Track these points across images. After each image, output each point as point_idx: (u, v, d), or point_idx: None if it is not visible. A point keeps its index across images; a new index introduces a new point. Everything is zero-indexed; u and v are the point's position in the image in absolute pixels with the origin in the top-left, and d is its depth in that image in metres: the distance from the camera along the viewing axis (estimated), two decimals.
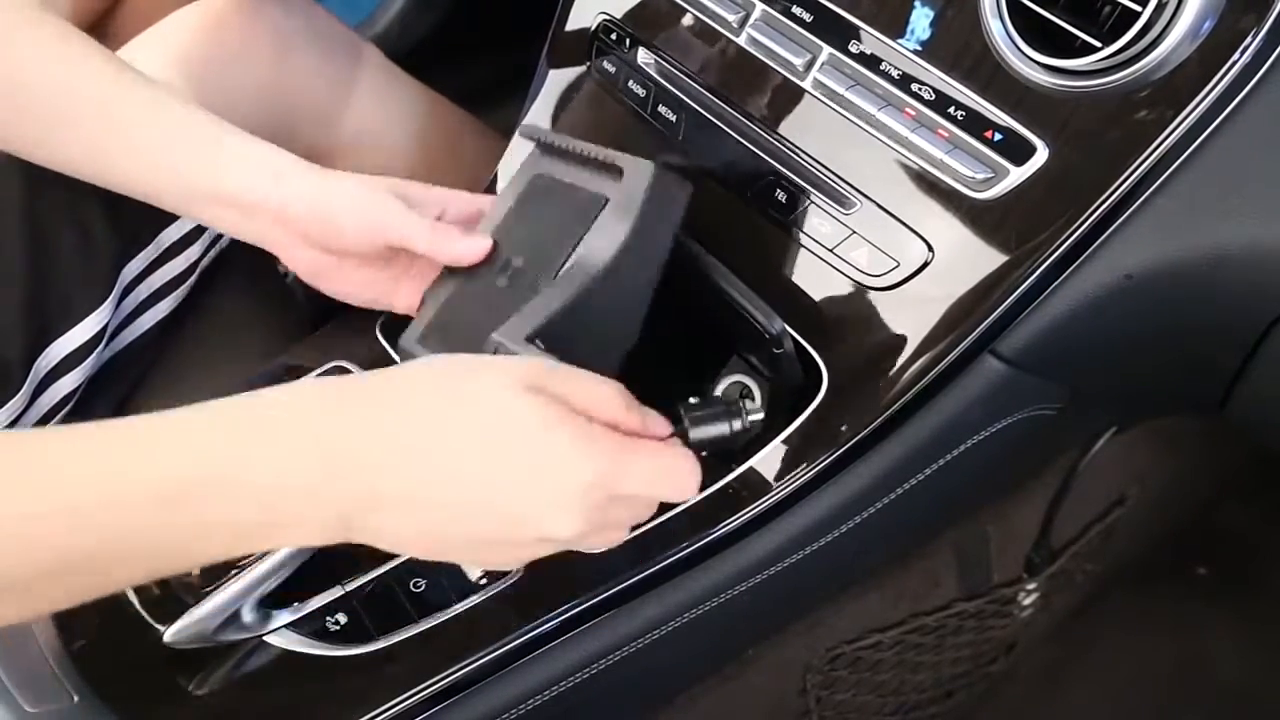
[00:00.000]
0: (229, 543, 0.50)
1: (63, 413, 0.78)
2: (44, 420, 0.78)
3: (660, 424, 0.55)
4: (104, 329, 0.77)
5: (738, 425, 0.57)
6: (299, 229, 0.69)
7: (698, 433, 0.57)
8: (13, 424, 0.75)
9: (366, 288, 0.72)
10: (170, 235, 0.81)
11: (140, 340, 0.83)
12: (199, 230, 0.82)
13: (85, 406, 0.80)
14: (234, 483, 0.48)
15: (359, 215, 0.68)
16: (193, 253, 0.83)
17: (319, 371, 0.74)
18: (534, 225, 0.70)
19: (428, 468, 0.50)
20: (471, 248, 0.69)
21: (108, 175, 0.70)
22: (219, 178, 0.68)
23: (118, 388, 0.83)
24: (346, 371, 0.74)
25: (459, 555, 0.54)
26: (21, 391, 0.74)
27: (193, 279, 0.84)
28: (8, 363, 0.73)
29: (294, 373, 0.74)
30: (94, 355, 0.77)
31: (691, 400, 0.59)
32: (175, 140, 0.69)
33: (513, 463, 0.50)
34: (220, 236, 0.85)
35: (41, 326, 0.75)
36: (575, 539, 0.52)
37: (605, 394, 0.53)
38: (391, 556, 0.65)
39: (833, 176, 0.68)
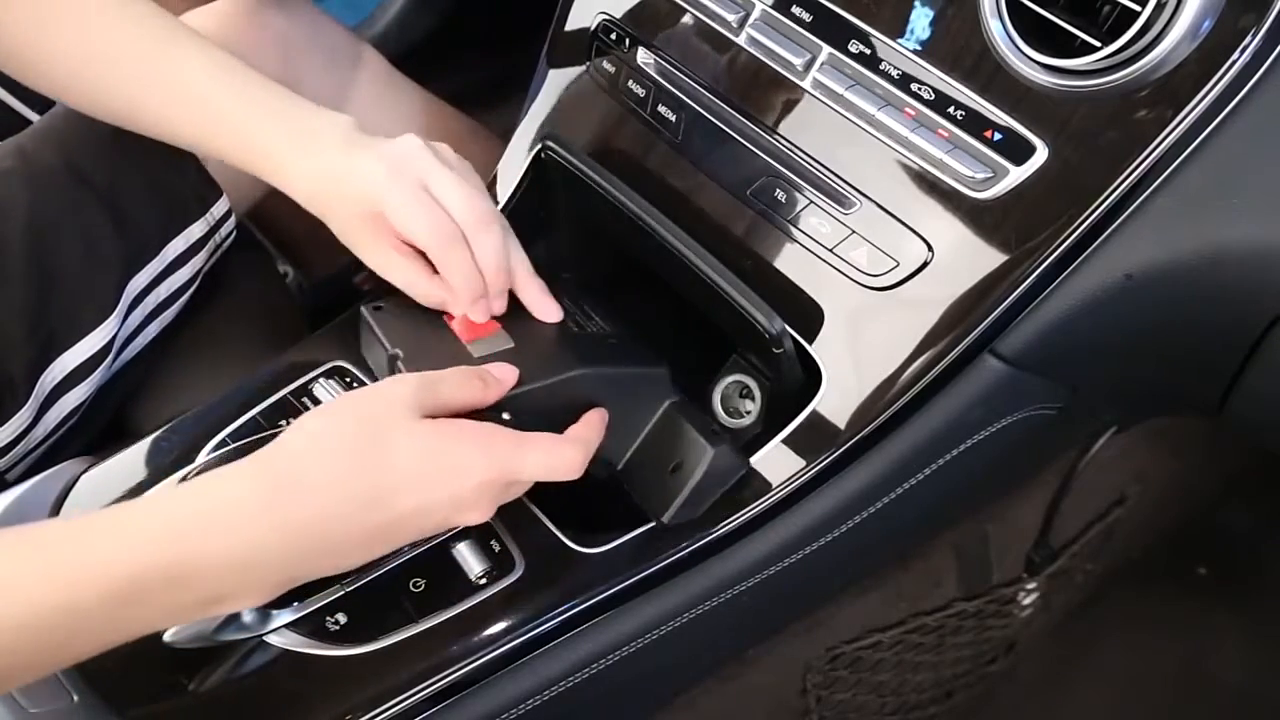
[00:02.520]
0: (179, 620, 0.58)
1: (68, 426, 0.78)
2: (51, 435, 0.78)
3: (509, 375, 0.64)
4: (110, 342, 0.77)
5: None
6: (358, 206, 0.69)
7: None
8: (18, 440, 0.75)
9: (396, 270, 0.72)
10: (176, 247, 0.80)
11: (146, 349, 0.83)
12: (204, 239, 0.82)
13: (90, 419, 0.80)
14: (179, 571, 0.52)
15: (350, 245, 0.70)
16: (198, 261, 0.83)
17: (319, 371, 0.74)
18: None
19: (360, 512, 0.56)
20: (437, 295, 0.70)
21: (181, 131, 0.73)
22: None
23: (121, 397, 0.83)
24: (347, 371, 0.74)
25: (376, 557, 0.60)
26: (26, 407, 0.74)
27: (196, 284, 0.84)
28: (11, 378, 0.73)
29: (297, 370, 0.74)
30: (100, 369, 0.77)
31: None
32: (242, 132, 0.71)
33: (429, 484, 0.57)
34: (224, 242, 0.85)
35: (47, 341, 0.74)
36: (478, 521, 0.61)
37: (471, 386, 0.62)
38: (392, 556, 0.65)
39: (832, 176, 0.68)
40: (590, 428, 0.65)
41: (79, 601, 0.50)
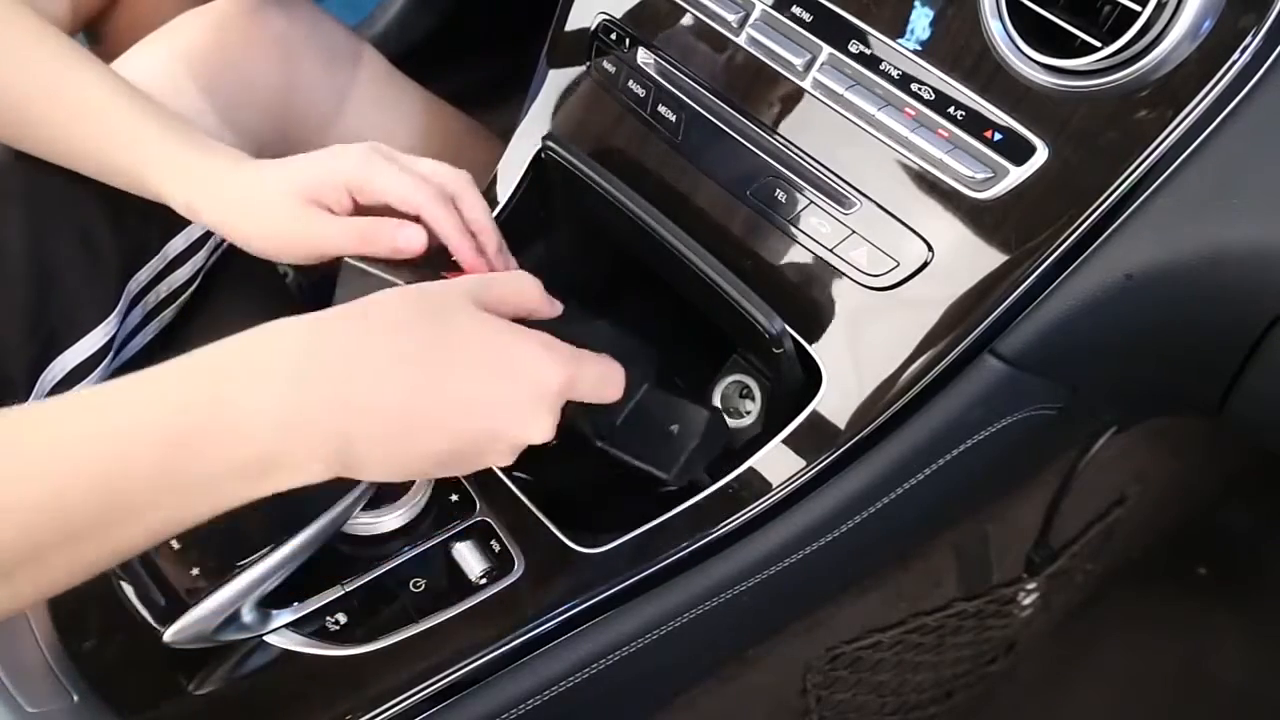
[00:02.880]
0: (233, 487, 0.51)
1: None
2: None
3: (556, 302, 0.61)
4: (111, 341, 0.77)
5: None
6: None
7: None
8: None
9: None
10: (176, 245, 0.80)
11: (145, 349, 0.83)
12: (205, 238, 0.82)
13: None
14: (237, 418, 0.49)
15: (278, 248, 0.69)
16: (198, 260, 0.83)
17: None
18: None
19: (417, 385, 0.52)
20: (411, 237, 0.66)
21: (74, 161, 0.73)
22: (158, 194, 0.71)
23: None
24: None
25: (433, 467, 0.56)
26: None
27: (197, 284, 0.84)
28: (11, 378, 0.73)
29: None
30: (101, 367, 0.77)
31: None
32: (117, 148, 0.71)
33: (493, 375, 0.54)
34: (224, 241, 0.85)
35: (47, 341, 0.74)
36: (542, 438, 0.56)
37: (526, 284, 0.59)
38: (391, 557, 0.65)
39: (832, 176, 0.68)
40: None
41: (132, 448, 0.48)
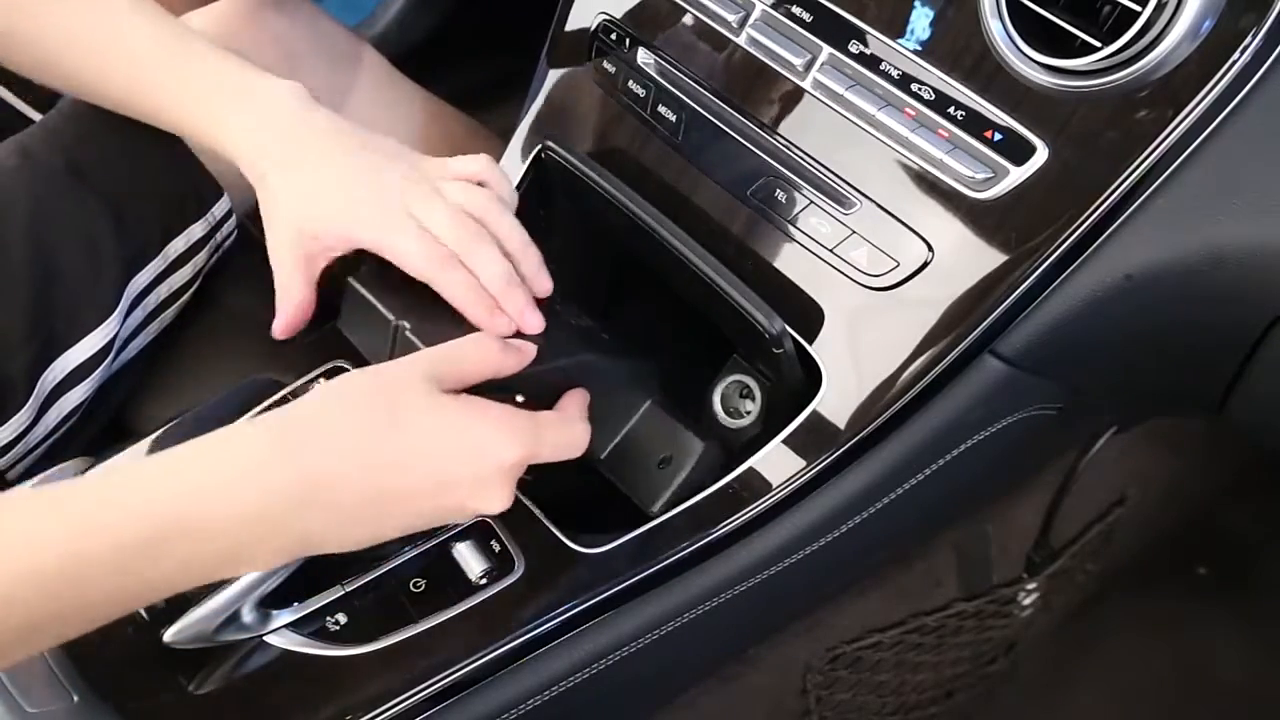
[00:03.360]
0: (190, 580, 0.53)
1: (68, 426, 0.78)
2: (51, 435, 0.78)
3: (529, 346, 0.63)
4: (111, 342, 0.77)
5: None
6: None
7: None
8: (18, 439, 0.75)
9: None
10: (177, 246, 0.80)
11: (146, 349, 0.83)
12: (205, 239, 0.82)
13: (90, 419, 0.80)
14: (192, 524, 0.51)
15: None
16: (199, 260, 0.83)
17: (318, 371, 0.74)
18: None
19: (375, 476, 0.55)
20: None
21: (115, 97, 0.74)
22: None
23: (121, 397, 0.83)
24: (347, 371, 0.74)
25: (395, 535, 0.58)
26: (26, 407, 0.74)
27: (197, 285, 0.84)
28: (11, 378, 0.73)
29: (297, 370, 0.74)
30: (101, 369, 0.77)
31: None
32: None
33: (450, 457, 0.56)
34: (225, 242, 0.85)
35: (47, 341, 0.74)
36: (500, 509, 0.58)
37: (484, 350, 0.61)
38: (392, 557, 0.65)
39: (832, 176, 0.68)
40: (579, 407, 0.65)
41: (89, 550, 0.49)
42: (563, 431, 0.62)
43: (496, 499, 0.58)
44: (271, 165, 0.69)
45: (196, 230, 0.81)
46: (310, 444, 0.54)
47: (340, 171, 0.68)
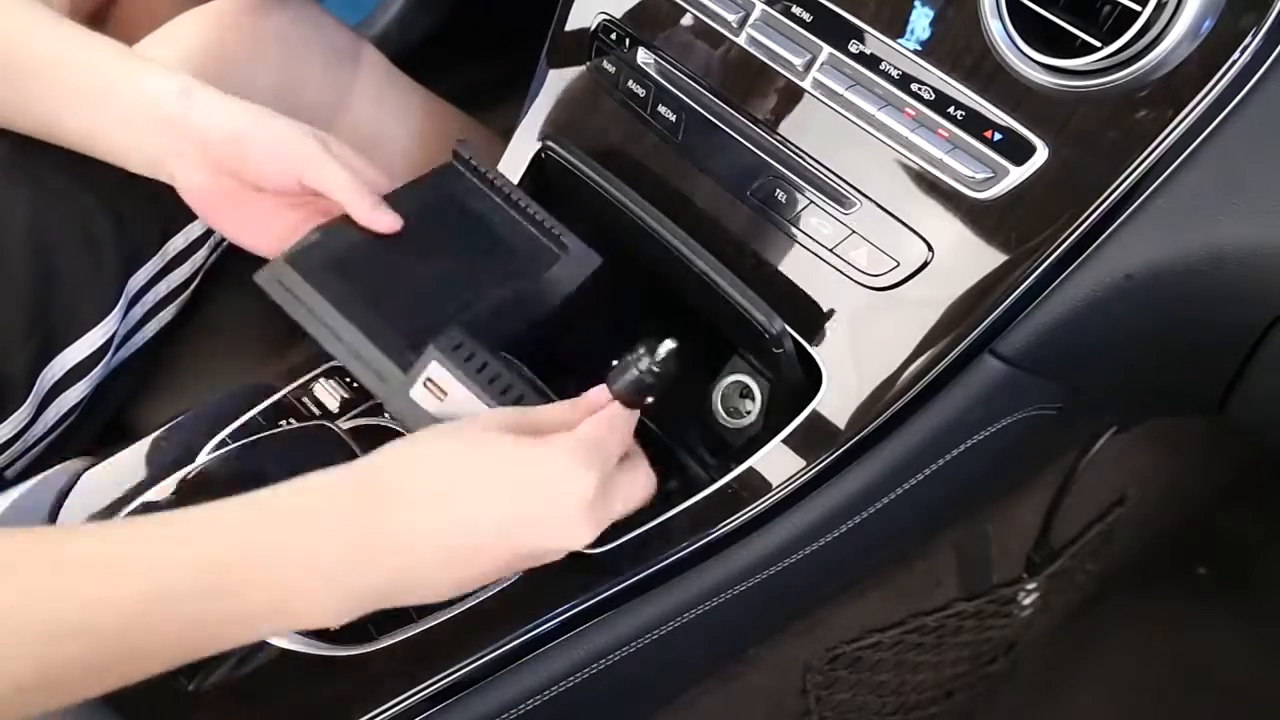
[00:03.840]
0: (259, 626, 0.54)
1: (67, 424, 0.78)
2: (50, 432, 0.78)
3: (597, 393, 0.61)
4: (110, 339, 0.77)
5: (644, 365, 0.59)
6: (211, 151, 0.68)
7: (618, 386, 0.60)
8: (17, 437, 0.75)
9: (260, 232, 0.71)
10: (176, 244, 0.81)
11: (145, 348, 0.83)
12: (204, 237, 0.82)
13: (89, 417, 0.80)
14: (274, 567, 0.51)
15: (278, 145, 0.69)
16: (198, 259, 0.83)
17: (318, 371, 0.74)
18: (461, 239, 0.71)
19: (456, 523, 0.55)
20: (387, 218, 0.68)
21: (19, 109, 0.72)
22: (127, 89, 0.69)
23: (120, 396, 0.83)
24: (347, 371, 0.73)
25: (471, 586, 0.58)
26: (26, 404, 0.74)
27: (196, 283, 0.84)
28: (10, 376, 0.73)
29: (297, 370, 0.74)
30: (100, 366, 0.77)
31: (614, 361, 0.61)
32: (81, 60, 0.70)
33: (530, 498, 0.56)
34: (224, 240, 0.85)
35: (47, 339, 0.74)
36: (584, 543, 0.58)
37: (557, 409, 0.60)
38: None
39: (832, 176, 0.68)
40: (641, 456, 0.63)
41: (171, 587, 0.49)
42: (634, 471, 0.60)
43: (580, 533, 0.57)
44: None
45: (195, 228, 0.81)
46: (387, 500, 0.54)
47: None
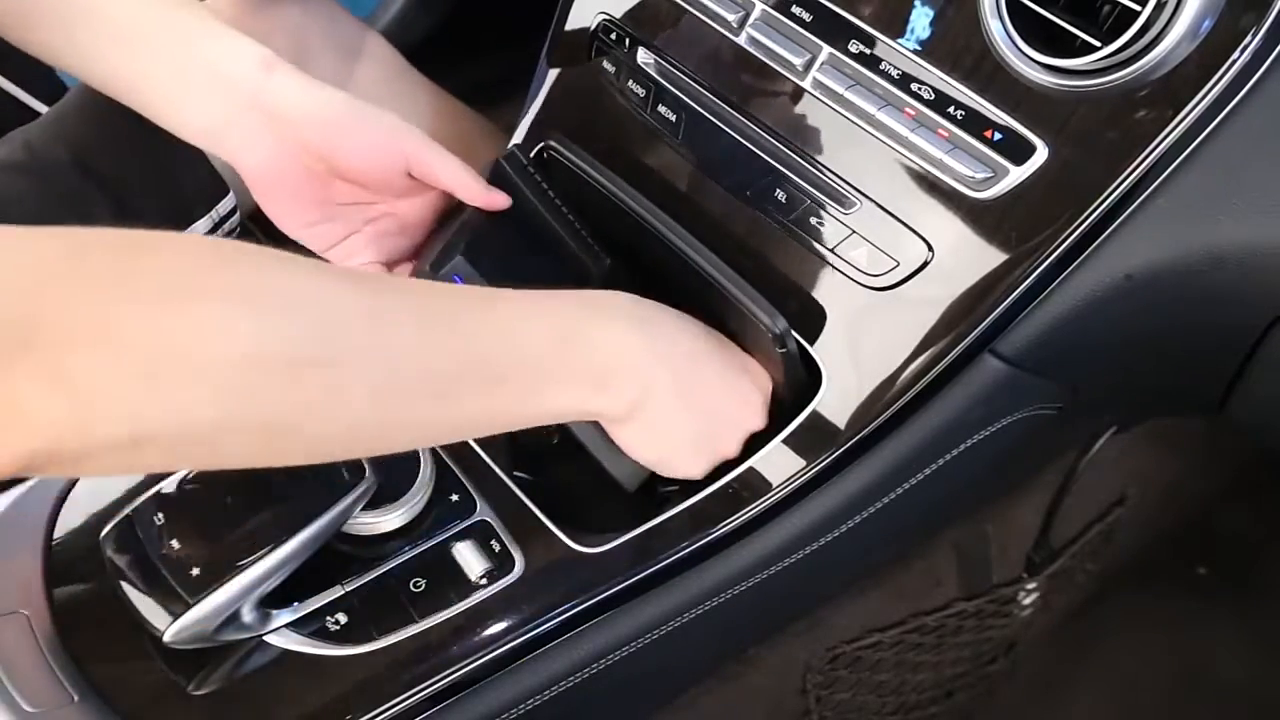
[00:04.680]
0: (564, 394, 0.59)
1: None
2: None
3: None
4: None
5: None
6: (294, 134, 0.67)
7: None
8: None
9: (314, 223, 0.70)
10: None
11: None
12: (210, 234, 0.82)
13: None
14: (592, 336, 0.59)
15: (381, 136, 0.68)
16: None
17: None
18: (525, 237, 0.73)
19: (702, 364, 0.65)
20: (500, 196, 0.70)
21: (90, 65, 0.69)
22: (204, 48, 0.67)
23: None
24: None
25: (685, 445, 0.65)
26: None
27: None
28: None
29: None
30: None
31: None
32: (160, 26, 0.68)
33: (738, 378, 0.67)
34: (229, 235, 0.85)
35: None
36: (760, 426, 0.67)
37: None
38: (391, 557, 0.65)
39: (832, 176, 0.68)
40: None
41: (529, 339, 0.56)
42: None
43: (759, 418, 0.67)
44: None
45: (200, 227, 0.81)
46: (664, 320, 0.64)
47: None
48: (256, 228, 0.98)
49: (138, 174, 0.78)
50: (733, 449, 0.67)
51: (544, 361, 0.57)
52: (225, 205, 0.82)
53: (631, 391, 0.61)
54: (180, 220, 0.80)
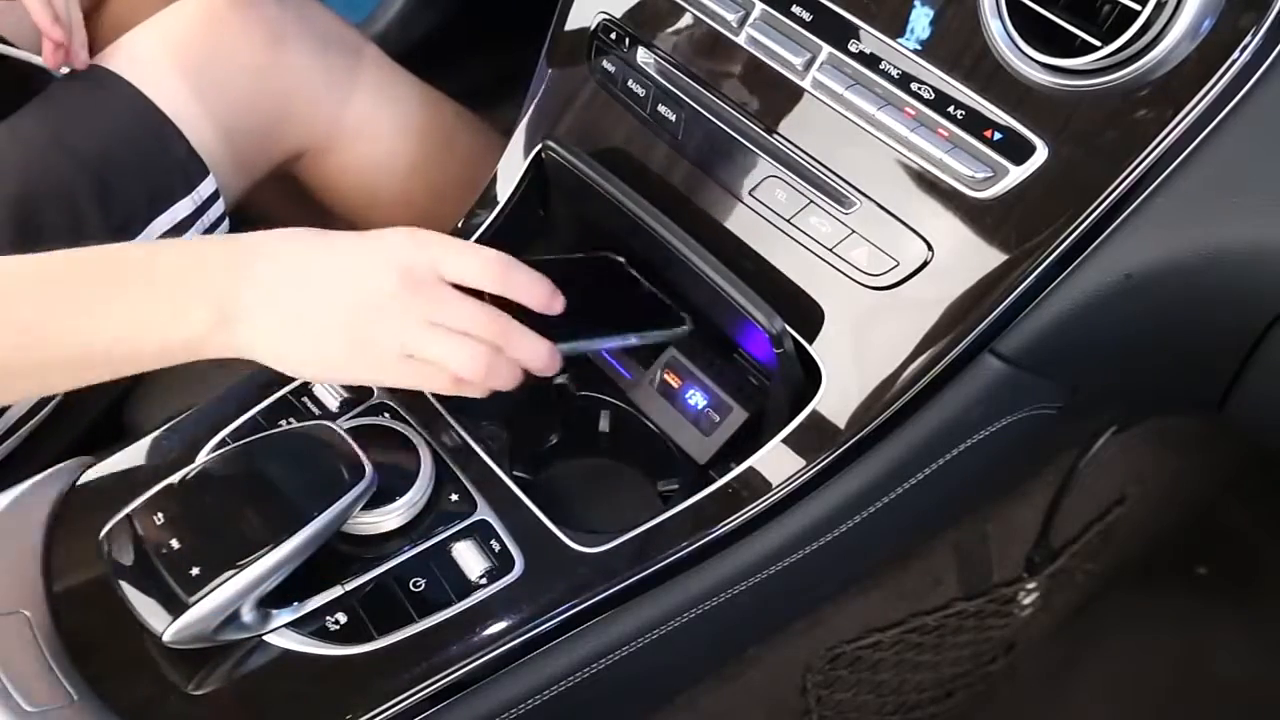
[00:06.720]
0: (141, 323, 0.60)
1: (49, 406, 0.78)
2: (31, 416, 0.77)
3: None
4: None
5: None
6: None
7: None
8: None
9: None
10: (162, 224, 0.81)
11: None
12: (192, 219, 0.82)
13: (79, 406, 0.80)
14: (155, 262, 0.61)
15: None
16: None
17: None
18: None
19: (302, 260, 0.62)
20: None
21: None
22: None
23: (111, 389, 0.83)
24: None
25: (333, 352, 0.62)
26: None
27: None
28: None
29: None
30: None
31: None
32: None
33: (356, 249, 0.62)
34: (214, 226, 0.85)
35: None
36: (397, 308, 0.61)
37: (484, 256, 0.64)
38: (391, 557, 0.65)
39: (832, 176, 0.68)
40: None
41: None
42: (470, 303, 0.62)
43: (382, 278, 0.61)
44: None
45: (182, 209, 0.81)
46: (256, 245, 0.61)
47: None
48: (250, 219, 0.98)
49: (117, 150, 0.78)
50: (394, 332, 0.61)
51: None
52: (206, 188, 0.82)
53: (203, 303, 0.59)
54: (161, 200, 0.80)
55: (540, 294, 0.65)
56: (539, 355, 0.65)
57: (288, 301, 0.60)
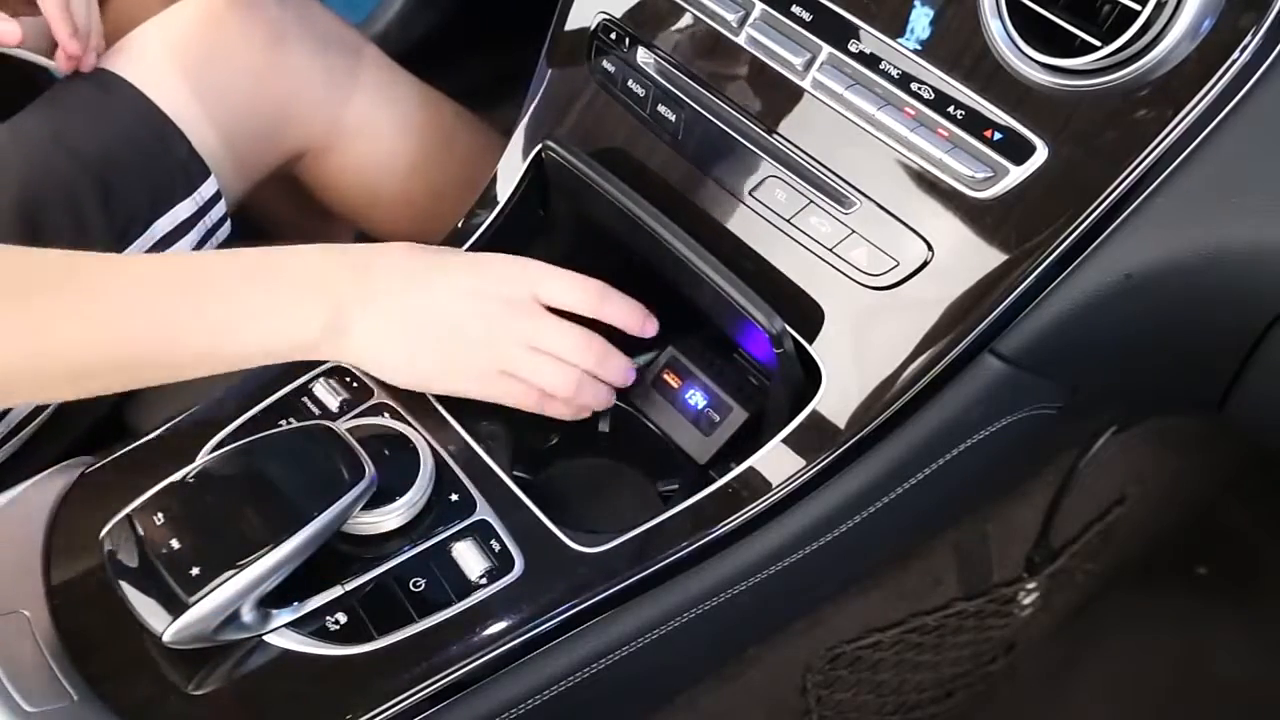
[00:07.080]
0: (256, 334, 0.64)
1: (50, 407, 0.78)
2: (31, 419, 0.77)
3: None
4: None
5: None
6: None
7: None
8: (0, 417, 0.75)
9: None
10: (164, 225, 0.81)
11: None
12: (193, 220, 0.82)
13: (82, 403, 0.80)
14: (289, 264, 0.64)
15: None
16: (187, 242, 0.82)
17: (319, 370, 0.74)
18: None
19: (418, 279, 0.67)
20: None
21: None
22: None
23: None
24: (347, 371, 0.74)
25: (430, 366, 0.68)
26: None
27: None
28: None
29: (297, 369, 0.74)
30: None
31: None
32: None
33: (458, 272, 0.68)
34: (216, 228, 0.85)
35: None
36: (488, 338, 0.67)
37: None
38: (391, 556, 0.65)
39: (832, 176, 0.68)
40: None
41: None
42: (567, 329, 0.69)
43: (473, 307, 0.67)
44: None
45: (183, 210, 0.81)
46: (369, 265, 0.66)
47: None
48: (252, 219, 0.98)
49: (119, 151, 0.78)
50: (517, 352, 0.68)
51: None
52: (208, 189, 0.82)
53: (321, 307, 0.64)
54: (162, 201, 0.80)
55: (635, 320, 0.71)
56: (622, 374, 0.72)
57: (399, 315, 0.66)
